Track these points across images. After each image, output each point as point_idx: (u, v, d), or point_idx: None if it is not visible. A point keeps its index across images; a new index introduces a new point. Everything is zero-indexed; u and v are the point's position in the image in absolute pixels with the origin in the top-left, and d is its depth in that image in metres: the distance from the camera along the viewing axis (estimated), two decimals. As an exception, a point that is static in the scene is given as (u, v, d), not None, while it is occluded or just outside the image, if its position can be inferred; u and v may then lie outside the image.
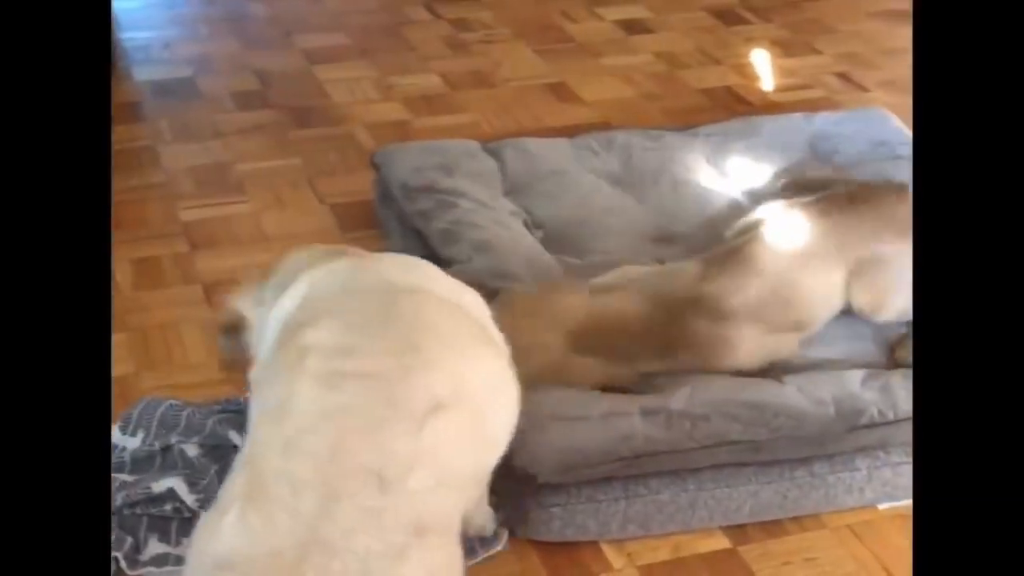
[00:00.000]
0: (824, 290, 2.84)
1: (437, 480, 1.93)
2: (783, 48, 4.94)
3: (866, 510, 2.65)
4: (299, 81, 4.56)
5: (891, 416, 2.62)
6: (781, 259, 2.82)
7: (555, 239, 3.26)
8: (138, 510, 2.52)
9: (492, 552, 2.51)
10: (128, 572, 2.43)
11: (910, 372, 2.74)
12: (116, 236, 3.33)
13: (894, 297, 2.84)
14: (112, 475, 2.58)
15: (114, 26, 4.74)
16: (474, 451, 2.09)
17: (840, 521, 2.63)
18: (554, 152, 3.64)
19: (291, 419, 1.93)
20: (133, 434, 2.71)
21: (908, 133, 3.71)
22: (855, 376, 2.72)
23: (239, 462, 1.97)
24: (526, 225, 3.30)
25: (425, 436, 1.93)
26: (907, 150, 3.58)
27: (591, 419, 2.55)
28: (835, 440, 2.60)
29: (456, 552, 1.99)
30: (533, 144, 3.68)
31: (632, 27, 5.09)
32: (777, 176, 3.48)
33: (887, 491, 2.64)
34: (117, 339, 3.02)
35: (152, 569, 2.44)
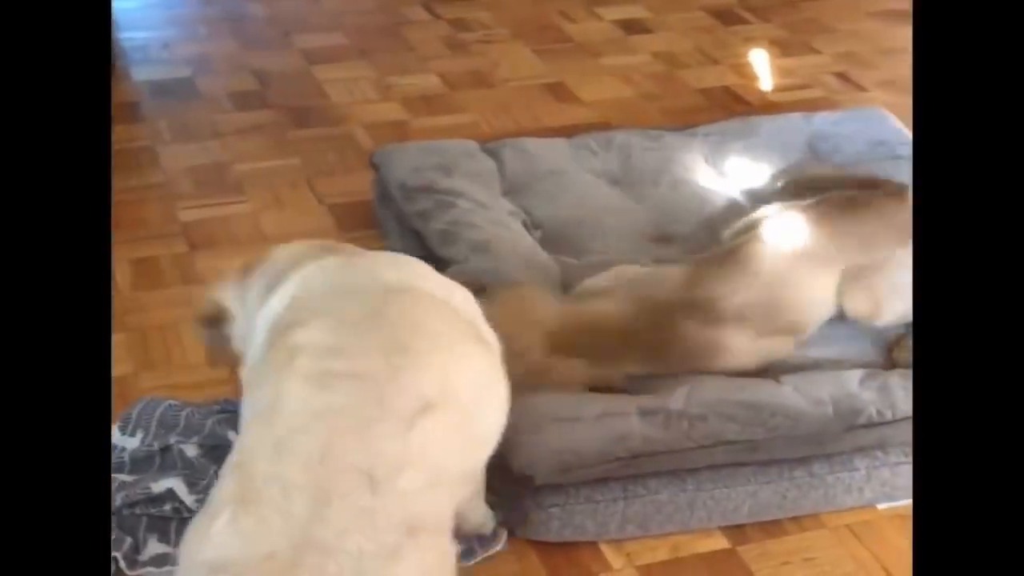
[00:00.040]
0: (817, 295, 2.83)
1: (427, 480, 1.93)
2: (782, 48, 4.94)
3: (865, 510, 2.65)
4: (298, 81, 4.56)
5: (889, 416, 2.62)
6: (774, 263, 2.81)
7: (553, 239, 3.26)
8: (137, 510, 2.52)
9: (491, 552, 2.51)
10: (127, 572, 2.43)
11: (908, 372, 2.74)
12: (115, 236, 3.33)
13: (892, 303, 2.84)
14: (111, 475, 2.58)
15: (113, 26, 4.73)
16: (463, 450, 2.09)
17: (839, 521, 2.63)
18: (553, 152, 3.64)
19: (281, 420, 1.93)
20: (132, 434, 2.71)
21: (907, 133, 3.71)
22: (853, 376, 2.72)
23: (229, 465, 1.96)
24: (525, 225, 3.30)
25: (414, 436, 1.93)
26: (906, 150, 3.58)
27: (587, 420, 2.55)
28: (833, 440, 2.60)
29: (449, 551, 1.99)
30: (532, 144, 3.68)
31: (631, 27, 5.09)
32: (776, 177, 3.48)
33: (886, 491, 2.64)
34: (116, 339, 3.02)
35: (151, 569, 2.44)
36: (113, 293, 3.23)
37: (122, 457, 2.67)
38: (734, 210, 3.34)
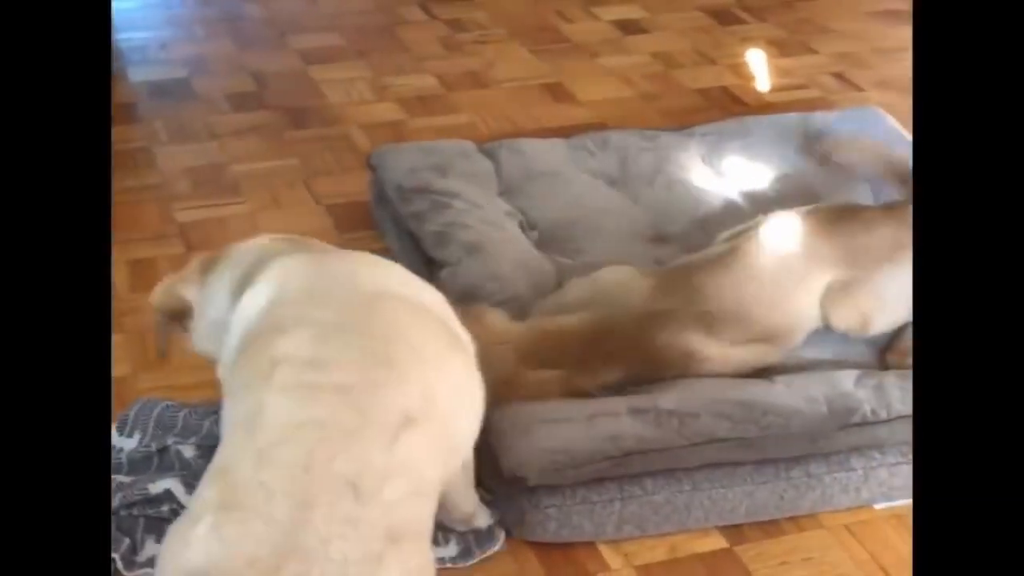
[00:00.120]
0: (798, 305, 2.82)
1: (410, 489, 1.94)
2: (779, 48, 4.94)
3: (863, 510, 2.65)
4: (295, 82, 4.56)
5: (884, 415, 2.62)
6: (748, 272, 2.80)
7: (550, 240, 3.26)
8: (135, 511, 2.52)
9: (489, 553, 2.51)
10: (125, 573, 2.42)
11: (904, 372, 2.74)
12: (112, 238, 3.33)
13: (878, 316, 2.84)
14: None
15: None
16: (443, 459, 2.10)
17: (837, 521, 2.63)
18: (549, 153, 3.64)
19: (263, 431, 1.92)
20: (130, 435, 2.71)
21: (904, 132, 3.71)
22: (848, 376, 2.72)
23: (210, 472, 1.96)
24: (521, 226, 3.30)
25: (398, 449, 1.94)
26: (903, 149, 3.58)
27: (577, 420, 2.55)
28: (827, 438, 2.60)
29: (429, 556, 2.00)
30: (528, 145, 3.68)
31: (628, 27, 5.09)
32: (779, 181, 3.48)
33: (883, 491, 2.64)
34: (114, 340, 3.02)
35: (149, 570, 2.43)
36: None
37: (120, 458, 2.67)
38: (731, 211, 3.34)
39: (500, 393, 2.58)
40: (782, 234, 2.86)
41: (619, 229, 3.29)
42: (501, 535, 2.54)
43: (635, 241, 3.25)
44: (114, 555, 2.43)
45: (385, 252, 3.41)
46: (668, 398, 2.61)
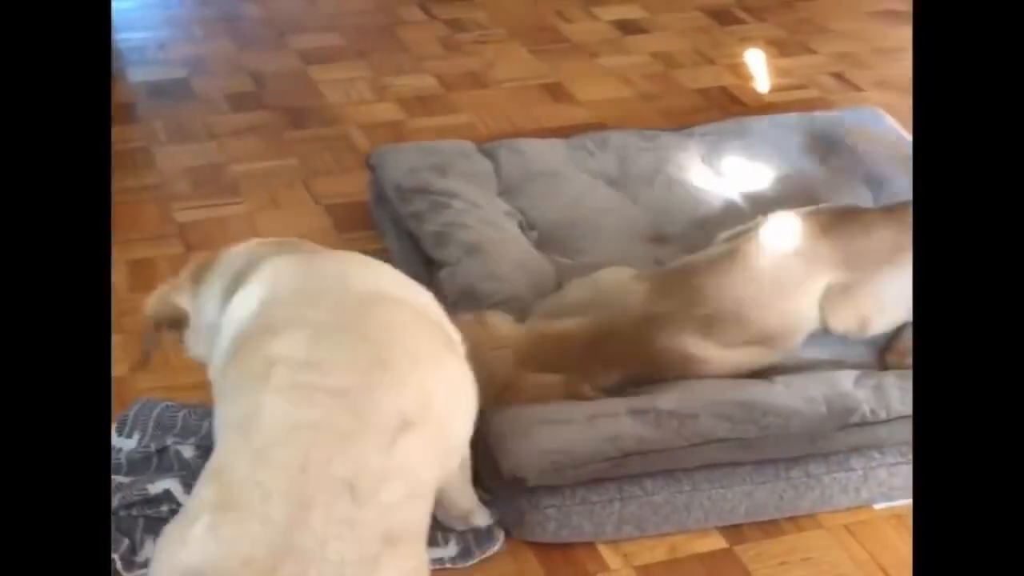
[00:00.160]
0: (794, 307, 2.82)
1: (407, 492, 1.94)
2: (778, 48, 4.94)
3: (862, 510, 2.65)
4: (294, 82, 4.56)
5: (883, 415, 2.62)
6: (745, 275, 2.79)
7: (549, 240, 3.26)
8: (134, 512, 2.52)
9: (489, 553, 2.51)
10: (124, 574, 2.42)
11: (903, 373, 2.74)
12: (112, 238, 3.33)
13: (877, 318, 2.84)
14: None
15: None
16: (439, 461, 2.10)
17: (836, 521, 2.63)
18: (549, 153, 3.64)
19: (259, 433, 1.92)
20: (129, 436, 2.71)
21: (903, 133, 3.71)
22: (848, 376, 2.72)
23: (206, 473, 1.95)
24: (521, 226, 3.30)
25: (396, 452, 1.94)
26: (902, 149, 3.58)
27: (577, 421, 2.55)
28: (826, 438, 2.60)
29: (425, 558, 2.00)
30: (528, 145, 3.68)
31: (627, 27, 5.09)
32: (778, 181, 3.48)
33: (883, 491, 2.64)
34: (113, 341, 3.01)
35: (148, 571, 2.44)
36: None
37: (119, 458, 2.67)
38: (731, 211, 3.34)
39: (501, 397, 2.58)
40: (781, 236, 2.86)
41: (618, 229, 3.28)
42: (500, 535, 2.54)
43: (635, 241, 3.25)
44: (113, 555, 2.42)
45: (384, 252, 3.41)
46: (667, 399, 2.61)
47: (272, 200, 3.77)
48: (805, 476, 2.59)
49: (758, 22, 5.17)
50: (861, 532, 2.60)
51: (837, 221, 2.89)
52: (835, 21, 5.18)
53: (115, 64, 4.57)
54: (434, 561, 2.44)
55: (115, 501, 2.52)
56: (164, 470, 2.63)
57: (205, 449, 2.67)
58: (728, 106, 4.39)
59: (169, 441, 2.69)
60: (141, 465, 2.66)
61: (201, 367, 2.52)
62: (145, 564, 2.43)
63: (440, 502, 2.45)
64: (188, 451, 2.67)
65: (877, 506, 2.66)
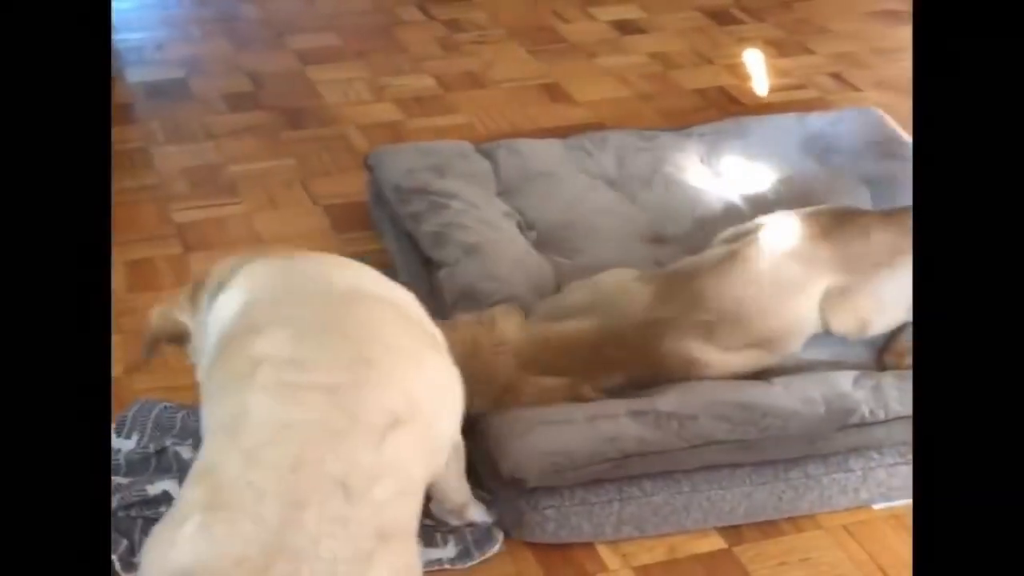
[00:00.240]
0: (795, 310, 2.82)
1: (398, 489, 1.95)
2: (776, 48, 4.94)
3: (861, 510, 2.65)
4: (292, 82, 4.56)
5: (882, 416, 2.62)
6: (747, 278, 2.79)
7: (548, 240, 3.26)
8: (133, 512, 2.52)
9: (488, 555, 2.50)
10: (123, 574, 2.42)
11: (902, 373, 2.74)
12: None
13: (876, 318, 2.84)
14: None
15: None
16: (428, 458, 2.11)
17: (835, 521, 2.63)
18: (547, 153, 3.64)
19: (248, 433, 1.93)
20: (128, 436, 2.71)
21: (901, 133, 3.71)
22: (846, 376, 2.72)
23: (194, 473, 1.95)
24: (519, 226, 3.30)
25: (386, 450, 1.94)
26: (901, 150, 3.58)
27: (577, 422, 2.55)
28: (825, 440, 2.60)
29: (417, 554, 2.00)
30: (526, 145, 3.68)
31: (625, 27, 5.09)
32: (777, 181, 3.48)
33: (882, 492, 2.64)
34: (112, 341, 3.01)
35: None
36: (108, 295, 3.23)
37: (118, 459, 2.67)
38: (729, 212, 3.34)
39: (501, 399, 2.58)
40: (782, 239, 2.86)
41: (617, 229, 3.28)
42: (500, 536, 2.54)
43: (633, 242, 3.24)
44: (112, 556, 2.42)
45: (382, 253, 3.41)
46: (667, 400, 2.61)
47: (270, 200, 3.76)
48: (804, 477, 2.59)
49: (756, 22, 5.17)
50: (860, 532, 2.60)
51: (837, 223, 2.89)
52: (833, 21, 5.18)
53: (113, 65, 4.56)
54: (433, 562, 2.45)
55: (114, 502, 2.52)
56: (163, 471, 2.63)
57: (204, 450, 2.67)
58: (726, 106, 4.39)
59: (168, 442, 2.68)
60: (140, 466, 2.66)
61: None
62: (144, 565, 2.44)
63: (435, 496, 2.46)
64: (187, 452, 2.67)
65: (876, 506, 2.66)
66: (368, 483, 1.89)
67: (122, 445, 2.70)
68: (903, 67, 4.65)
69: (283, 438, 1.90)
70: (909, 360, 2.78)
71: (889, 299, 2.80)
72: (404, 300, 2.27)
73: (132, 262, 3.43)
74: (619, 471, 2.51)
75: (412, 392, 2.06)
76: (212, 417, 2.06)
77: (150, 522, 2.50)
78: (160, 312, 2.43)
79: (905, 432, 2.60)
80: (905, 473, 2.62)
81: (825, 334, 2.86)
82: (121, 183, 3.76)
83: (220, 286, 2.29)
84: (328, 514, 1.83)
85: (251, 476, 1.85)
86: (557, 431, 2.52)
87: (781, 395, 2.65)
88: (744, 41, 5.00)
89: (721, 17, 5.20)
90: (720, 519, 2.59)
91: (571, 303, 2.83)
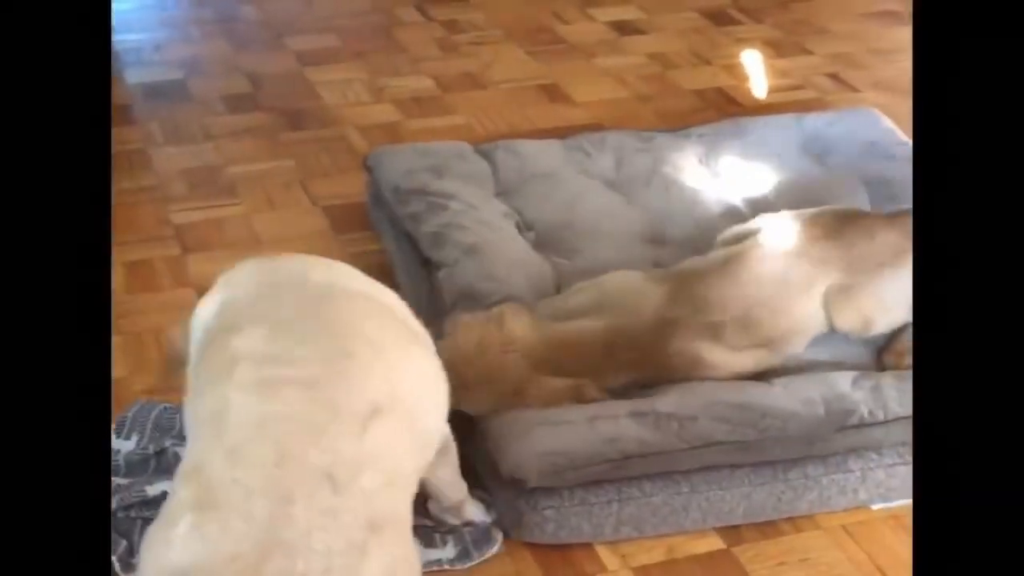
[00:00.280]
0: (801, 310, 2.82)
1: (386, 479, 1.94)
2: (774, 49, 4.94)
3: (860, 511, 2.65)
4: (290, 83, 4.56)
5: (881, 417, 2.62)
6: (757, 278, 2.81)
7: (547, 241, 3.26)
8: (132, 513, 2.52)
9: (487, 555, 2.51)
10: (122, 575, 2.42)
11: (901, 374, 2.74)
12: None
13: (879, 317, 2.84)
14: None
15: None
16: (413, 450, 2.10)
17: (834, 522, 2.63)
18: (546, 154, 3.64)
19: (230, 430, 1.93)
20: (127, 437, 2.71)
21: (899, 133, 3.72)
22: (845, 377, 2.73)
23: (181, 474, 1.95)
24: (518, 227, 3.30)
25: (368, 440, 1.94)
26: (899, 150, 3.59)
27: (577, 422, 2.55)
28: (825, 441, 2.60)
29: (412, 543, 2.00)
30: (525, 146, 3.68)
31: (624, 28, 5.09)
32: (775, 182, 3.48)
33: (881, 492, 2.64)
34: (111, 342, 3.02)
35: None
36: (107, 296, 3.23)
37: (117, 460, 2.67)
38: (728, 212, 3.34)
39: (509, 401, 2.58)
40: (789, 239, 2.87)
41: (616, 230, 3.28)
42: (499, 537, 2.54)
43: (632, 242, 3.24)
44: (112, 557, 2.42)
45: (382, 253, 3.42)
46: (666, 401, 2.61)
47: (269, 201, 3.77)
48: (803, 477, 2.59)
49: (754, 23, 5.18)
50: (859, 533, 2.61)
51: (842, 224, 2.90)
52: (831, 22, 5.18)
53: (112, 66, 4.56)
54: (432, 563, 2.45)
55: (113, 503, 2.52)
56: (162, 472, 2.63)
57: (203, 451, 2.67)
58: (725, 107, 4.40)
59: (167, 443, 2.69)
60: (139, 467, 2.66)
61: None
62: (144, 566, 2.44)
63: (432, 495, 2.46)
64: (186, 453, 2.67)
65: (874, 507, 2.66)
66: (354, 473, 1.89)
67: (122, 446, 2.70)
68: (901, 68, 4.66)
69: (265, 434, 1.90)
70: (909, 360, 2.78)
71: (892, 298, 2.80)
72: (386, 298, 2.28)
73: (131, 263, 3.43)
74: (619, 472, 2.51)
75: (392, 382, 2.06)
76: (195, 416, 2.07)
77: (149, 523, 2.49)
78: (183, 333, 2.44)
79: (904, 433, 2.61)
80: (904, 474, 2.62)
81: (826, 334, 2.86)
82: (120, 184, 3.76)
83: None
84: (317, 506, 1.83)
85: (236, 474, 1.85)
86: (557, 432, 2.52)
87: (780, 396, 2.65)
88: (742, 42, 5.00)
89: (719, 18, 5.21)
90: (719, 519, 2.59)
91: (576, 304, 2.83)
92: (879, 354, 2.88)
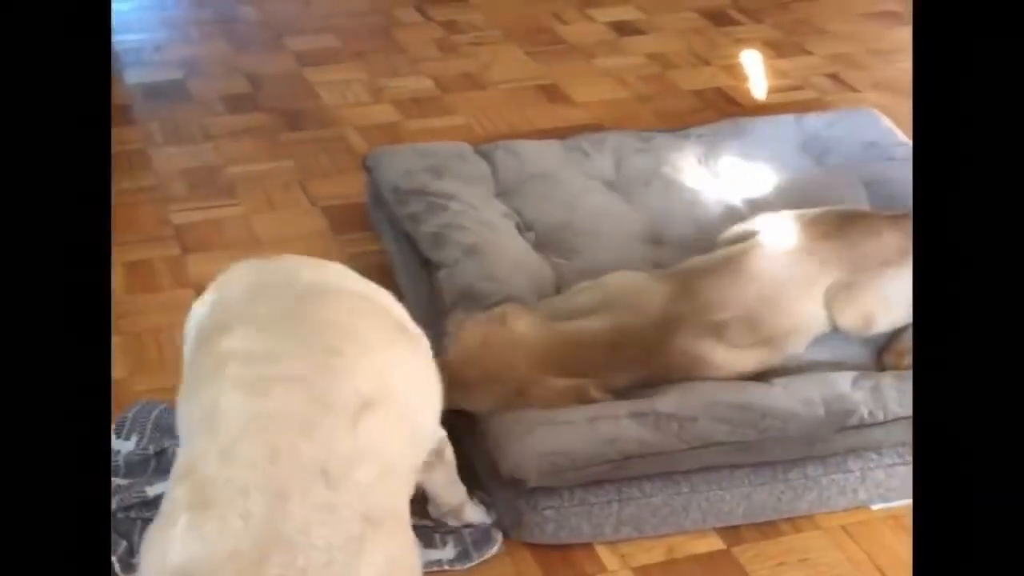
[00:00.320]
0: (804, 309, 2.83)
1: (380, 472, 1.94)
2: (774, 49, 4.94)
3: (859, 511, 2.65)
4: (290, 83, 4.56)
5: (881, 417, 2.62)
6: (762, 276, 2.81)
7: (546, 241, 3.26)
8: (132, 514, 2.52)
9: (487, 556, 2.51)
10: (122, 575, 2.42)
11: (901, 374, 2.74)
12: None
13: (881, 316, 2.84)
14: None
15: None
16: (407, 443, 2.11)
17: (834, 522, 2.63)
18: (545, 154, 3.64)
19: (222, 429, 1.93)
20: (127, 438, 2.71)
21: (899, 134, 3.72)
22: (845, 377, 2.73)
23: (176, 475, 1.95)
24: (518, 227, 3.30)
25: (360, 433, 1.95)
26: (898, 151, 3.59)
27: (578, 423, 2.55)
28: (824, 441, 2.60)
29: (411, 537, 2.01)
30: (524, 146, 3.68)
31: (623, 29, 5.09)
32: (775, 182, 3.48)
33: (880, 492, 2.64)
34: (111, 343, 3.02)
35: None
36: (106, 296, 3.23)
37: (117, 460, 2.67)
38: (727, 213, 3.34)
39: (514, 401, 2.58)
40: (794, 237, 2.88)
41: (616, 231, 3.28)
42: (499, 537, 2.54)
43: (632, 243, 3.24)
44: (111, 557, 2.42)
45: (381, 254, 3.42)
46: (667, 401, 2.61)
47: (268, 202, 3.77)
48: (803, 478, 2.59)
49: (754, 23, 5.18)
50: (858, 533, 2.61)
51: (846, 223, 2.91)
52: (831, 22, 5.18)
53: (112, 66, 4.56)
54: (432, 563, 2.45)
55: (113, 503, 2.52)
56: (162, 473, 2.62)
57: (203, 451, 2.67)
58: (724, 107, 4.40)
59: (168, 444, 2.68)
60: (139, 467, 2.66)
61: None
62: (143, 566, 2.44)
63: (431, 498, 2.46)
64: (186, 453, 2.67)
65: (874, 507, 2.66)
66: (348, 467, 1.89)
67: (122, 446, 2.70)
68: (900, 68, 4.66)
69: (256, 431, 1.91)
70: (908, 360, 2.78)
71: (894, 297, 2.80)
72: (381, 298, 2.28)
73: (130, 263, 3.43)
74: (619, 472, 2.51)
75: (382, 376, 2.06)
76: (188, 415, 2.07)
77: (149, 523, 2.50)
78: None
79: (903, 433, 2.61)
80: (903, 474, 2.62)
81: (826, 335, 2.87)
82: (119, 184, 3.76)
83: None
84: (313, 502, 1.83)
85: (231, 472, 1.86)
86: (557, 432, 2.52)
87: (780, 396, 2.65)
88: (742, 42, 5.00)
89: (719, 18, 5.21)
90: (719, 520, 2.59)
91: (579, 304, 2.83)
92: (879, 354, 2.88)
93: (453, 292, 2.97)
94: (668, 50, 4.90)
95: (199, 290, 3.26)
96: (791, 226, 2.92)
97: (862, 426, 2.62)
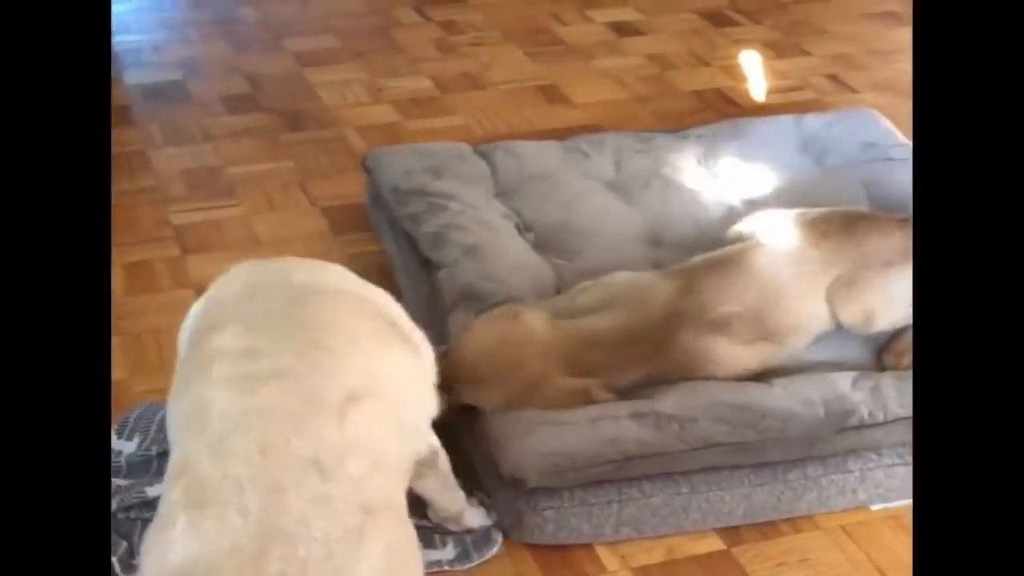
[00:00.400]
0: (808, 306, 2.83)
1: (373, 464, 1.95)
2: (773, 50, 4.95)
3: (859, 511, 2.66)
4: (289, 84, 4.56)
5: (881, 417, 2.62)
6: (766, 273, 2.82)
7: (546, 241, 3.26)
8: (133, 514, 2.52)
9: (487, 557, 2.51)
10: (122, 576, 2.43)
11: (901, 374, 2.74)
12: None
13: (883, 314, 2.84)
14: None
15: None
16: (398, 437, 2.11)
17: (833, 522, 2.63)
18: (545, 155, 3.64)
19: (211, 427, 1.93)
20: (129, 438, 2.71)
21: (898, 135, 3.72)
22: (845, 378, 2.73)
23: (170, 474, 1.96)
24: (518, 228, 3.30)
25: (348, 426, 1.95)
26: (897, 151, 3.59)
27: (579, 423, 2.55)
28: (824, 442, 2.61)
29: (410, 528, 2.01)
30: (524, 147, 3.68)
31: (622, 29, 5.09)
32: (774, 183, 3.48)
33: (880, 492, 2.65)
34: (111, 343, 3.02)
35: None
36: (106, 297, 3.23)
37: (119, 461, 2.67)
38: (727, 213, 3.34)
39: (525, 398, 2.58)
40: (797, 234, 2.88)
41: (615, 231, 3.29)
42: (499, 538, 2.54)
43: (631, 243, 3.25)
44: (112, 558, 2.43)
45: (381, 254, 3.42)
46: (667, 402, 2.61)
47: (268, 202, 3.77)
48: (803, 478, 2.59)
49: (753, 24, 5.18)
50: (858, 533, 2.61)
51: (852, 223, 2.92)
52: (830, 23, 5.19)
53: (111, 67, 4.57)
54: (432, 564, 2.45)
55: (114, 504, 2.52)
56: (163, 474, 2.62)
57: (203, 452, 2.67)
58: (723, 108, 4.40)
59: (168, 444, 2.69)
60: (140, 468, 2.66)
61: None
62: (143, 567, 2.44)
63: (429, 505, 2.46)
64: (186, 454, 2.67)
65: (874, 507, 2.66)
66: (339, 459, 1.89)
67: (123, 447, 2.70)
68: (900, 69, 4.67)
69: (246, 427, 1.91)
70: (908, 360, 2.79)
71: (896, 296, 2.81)
72: (378, 298, 2.28)
73: (130, 264, 3.43)
74: (620, 473, 2.52)
75: (370, 371, 2.07)
76: (177, 412, 2.08)
77: (149, 524, 2.51)
78: None
79: (903, 433, 2.61)
80: (903, 474, 2.63)
81: (826, 334, 2.87)
82: (119, 185, 3.77)
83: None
84: (308, 494, 1.83)
85: (224, 469, 1.86)
86: (558, 432, 2.53)
87: (780, 397, 2.65)
88: (741, 43, 5.01)
89: (718, 19, 5.21)
90: (719, 520, 2.59)
91: (583, 303, 2.83)
92: (879, 354, 2.88)
93: (453, 292, 2.97)
94: (667, 51, 4.90)
95: (199, 291, 3.27)
96: (796, 224, 2.92)
97: (862, 426, 2.62)
